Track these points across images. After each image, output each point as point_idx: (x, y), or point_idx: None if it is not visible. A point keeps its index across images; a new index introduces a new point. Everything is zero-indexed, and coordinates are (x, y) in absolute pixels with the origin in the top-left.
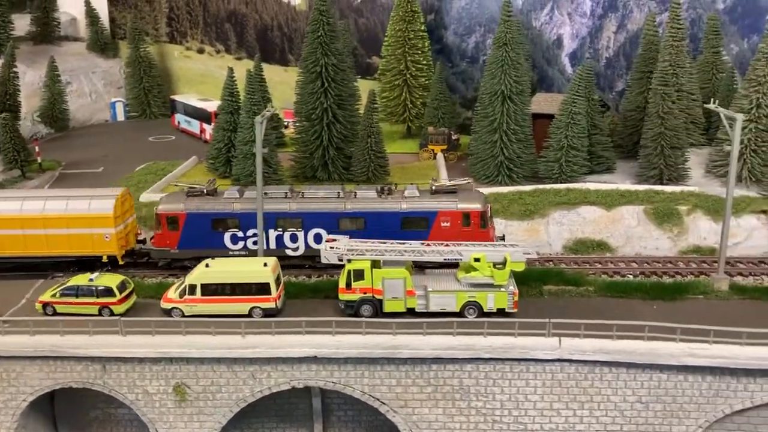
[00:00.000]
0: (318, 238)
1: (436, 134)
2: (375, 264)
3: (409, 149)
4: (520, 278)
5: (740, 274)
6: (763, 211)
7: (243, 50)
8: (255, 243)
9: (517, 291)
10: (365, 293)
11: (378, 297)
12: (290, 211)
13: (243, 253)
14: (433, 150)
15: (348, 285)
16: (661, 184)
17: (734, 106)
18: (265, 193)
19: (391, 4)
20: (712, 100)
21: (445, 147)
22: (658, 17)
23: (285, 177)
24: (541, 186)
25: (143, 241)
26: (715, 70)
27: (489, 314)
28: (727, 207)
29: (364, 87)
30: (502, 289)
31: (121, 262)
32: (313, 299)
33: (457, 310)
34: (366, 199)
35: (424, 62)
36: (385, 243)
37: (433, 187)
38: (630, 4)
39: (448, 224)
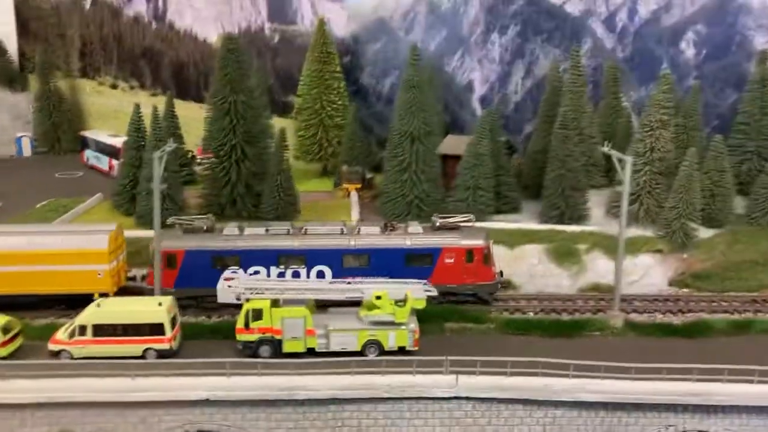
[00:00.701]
0: (321, 275)
1: (350, 173)
2: (275, 303)
3: (325, 187)
4: (422, 316)
5: (635, 311)
6: (658, 250)
7: (158, 86)
8: None
9: (418, 329)
10: (264, 333)
11: (277, 337)
12: (293, 248)
13: None
14: (347, 188)
15: (246, 325)
16: (563, 223)
17: (631, 149)
18: (267, 230)
19: (307, 45)
20: (606, 143)
21: (359, 186)
22: (562, 64)
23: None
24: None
25: (133, 279)
26: (615, 114)
27: (390, 352)
28: (620, 246)
29: (282, 125)
30: (403, 327)
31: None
32: (212, 340)
33: (359, 349)
34: (370, 235)
35: (340, 102)
36: (285, 281)
37: (437, 224)
38: (536, 51)
39: (452, 260)
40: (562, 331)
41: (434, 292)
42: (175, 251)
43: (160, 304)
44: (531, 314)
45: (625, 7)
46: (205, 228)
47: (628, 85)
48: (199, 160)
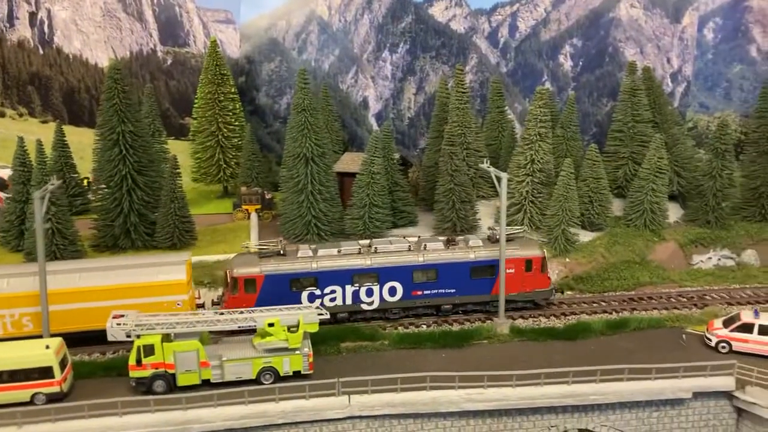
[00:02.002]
0: (392, 291)
1: (249, 194)
2: (166, 338)
3: (225, 209)
4: (318, 338)
5: (521, 317)
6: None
7: (49, 113)
8: (332, 300)
9: (311, 352)
10: (157, 368)
11: (171, 371)
12: (367, 267)
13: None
14: (247, 210)
15: (138, 361)
16: (455, 234)
17: (513, 161)
18: (339, 250)
19: (201, 67)
20: (485, 160)
21: (259, 206)
22: (450, 81)
23: (84, 248)
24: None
25: (202, 305)
26: (500, 127)
27: (286, 378)
28: (501, 256)
29: (178, 148)
30: (297, 352)
31: None
32: (106, 378)
33: (254, 377)
34: (437, 250)
35: (237, 123)
36: (176, 315)
37: (497, 236)
38: (426, 68)
39: (513, 270)
40: (452, 341)
41: (326, 315)
42: (255, 276)
43: (47, 347)
44: (424, 327)
45: (506, 24)
46: (281, 252)
47: (513, 98)
48: (94, 188)
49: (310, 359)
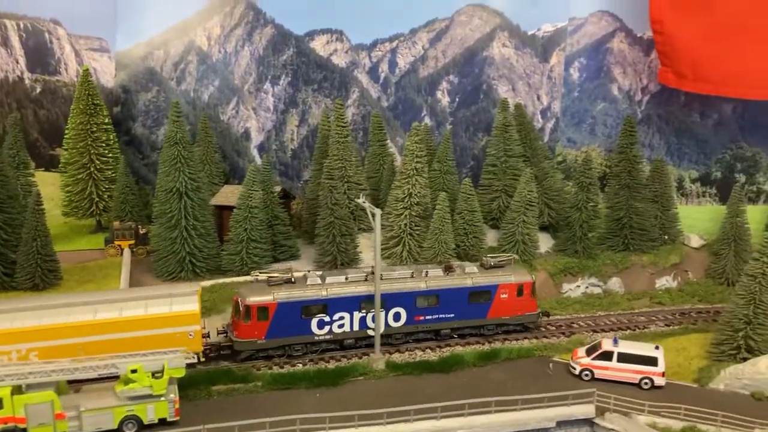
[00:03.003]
0: (397, 317)
1: (122, 229)
2: (17, 389)
3: (97, 245)
4: (187, 382)
5: (398, 351)
6: None
7: None
8: (340, 327)
9: (177, 398)
10: (6, 423)
11: (22, 426)
12: (374, 293)
13: (329, 337)
14: (119, 245)
15: None
16: (336, 268)
17: (392, 195)
18: (347, 278)
19: (73, 96)
20: (361, 195)
21: (132, 242)
22: (332, 114)
23: None
24: (222, 280)
25: (207, 335)
26: (381, 161)
27: (151, 426)
28: (376, 291)
29: (48, 180)
30: (162, 398)
31: (202, 359)
32: None
33: (116, 427)
34: (438, 277)
35: (110, 155)
36: (29, 364)
37: (492, 264)
38: (309, 101)
39: (507, 295)
40: (328, 379)
41: (193, 359)
42: (268, 304)
43: None
44: (300, 365)
45: (386, 59)
46: (292, 279)
47: (395, 132)
48: None
49: (177, 405)
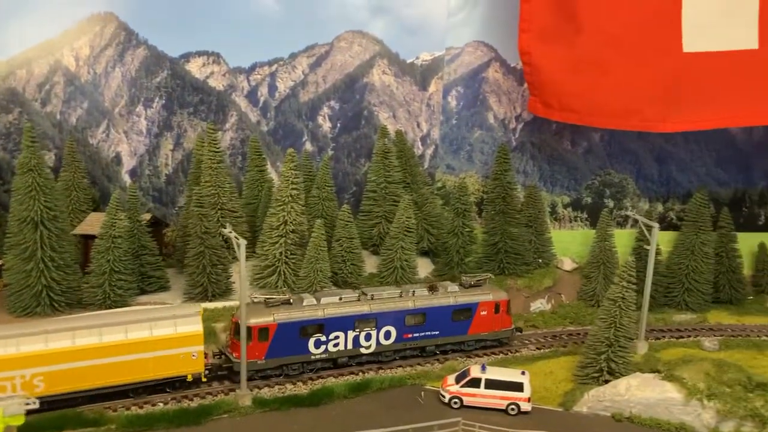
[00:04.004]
0: (387, 335)
1: None
2: None
3: None
4: (30, 428)
5: (267, 385)
6: None
7: None
8: (335, 346)
9: None
10: None
11: None
12: (367, 313)
13: (324, 356)
14: None
15: None
16: (207, 300)
17: (267, 222)
18: (340, 298)
19: None
20: (227, 225)
21: None
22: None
23: None
24: (85, 314)
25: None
26: (260, 187)
27: None
28: (241, 323)
29: None
30: None
31: (204, 380)
32: None
33: None
34: (424, 297)
35: None
36: None
37: (471, 283)
38: (184, 124)
39: (486, 312)
40: (189, 419)
41: (35, 405)
42: (268, 325)
43: None
44: (161, 404)
45: (265, 83)
46: (289, 301)
47: (275, 157)
48: None
49: None
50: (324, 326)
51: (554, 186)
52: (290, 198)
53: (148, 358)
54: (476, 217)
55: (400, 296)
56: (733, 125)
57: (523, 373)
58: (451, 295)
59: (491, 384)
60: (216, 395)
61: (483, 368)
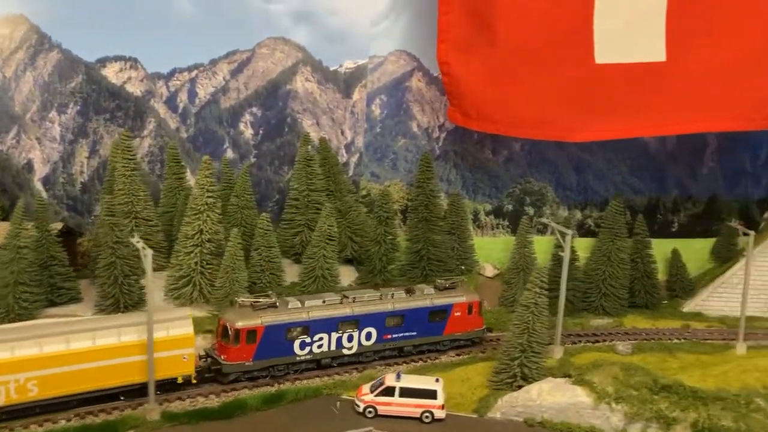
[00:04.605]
0: (368, 336)
1: None
2: None
3: None
4: None
5: (179, 398)
6: (209, 331)
7: None
8: (320, 347)
9: None
10: None
11: None
12: (349, 315)
13: (309, 357)
14: None
15: None
16: (119, 311)
17: (182, 232)
18: (324, 301)
19: None
20: (135, 234)
21: None
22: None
23: None
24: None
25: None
26: (177, 194)
27: None
28: (149, 337)
29: None
30: None
31: (194, 381)
32: None
33: None
34: (402, 299)
35: None
36: None
37: (446, 285)
38: (100, 130)
39: (460, 313)
40: None
41: None
42: (256, 327)
43: None
44: (63, 422)
45: (185, 89)
46: (275, 304)
47: (196, 164)
48: None
49: None
50: (309, 328)
51: (476, 194)
52: (206, 206)
53: (141, 360)
54: (401, 225)
55: (380, 299)
56: (644, 135)
57: (437, 380)
58: (427, 298)
59: (405, 392)
60: (123, 410)
61: (398, 376)
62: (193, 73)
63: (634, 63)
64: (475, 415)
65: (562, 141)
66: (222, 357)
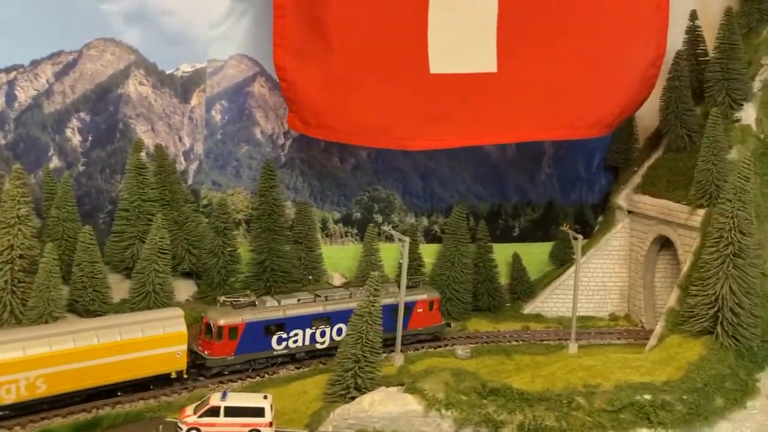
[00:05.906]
0: (339, 332)
1: None
2: None
3: None
4: None
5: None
6: None
7: None
8: (295, 342)
9: None
10: None
11: None
12: (323, 312)
13: (285, 351)
14: None
15: None
16: None
17: None
18: (299, 299)
19: None
20: None
21: None
22: None
23: None
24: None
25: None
26: None
27: None
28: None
29: None
30: None
31: (186, 376)
32: None
33: None
34: None
35: None
36: None
37: (409, 284)
38: None
39: (422, 310)
40: None
41: None
42: (237, 324)
43: None
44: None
45: (2, 92)
46: (254, 303)
47: (7, 171)
48: None
49: None
50: (285, 325)
51: (325, 202)
52: (17, 220)
53: (139, 357)
54: (246, 235)
55: (350, 297)
56: (474, 143)
57: (265, 397)
58: (392, 295)
59: (231, 411)
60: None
61: (224, 395)
62: (12, 75)
63: (467, 73)
64: (306, 430)
65: (400, 149)
66: (206, 352)
